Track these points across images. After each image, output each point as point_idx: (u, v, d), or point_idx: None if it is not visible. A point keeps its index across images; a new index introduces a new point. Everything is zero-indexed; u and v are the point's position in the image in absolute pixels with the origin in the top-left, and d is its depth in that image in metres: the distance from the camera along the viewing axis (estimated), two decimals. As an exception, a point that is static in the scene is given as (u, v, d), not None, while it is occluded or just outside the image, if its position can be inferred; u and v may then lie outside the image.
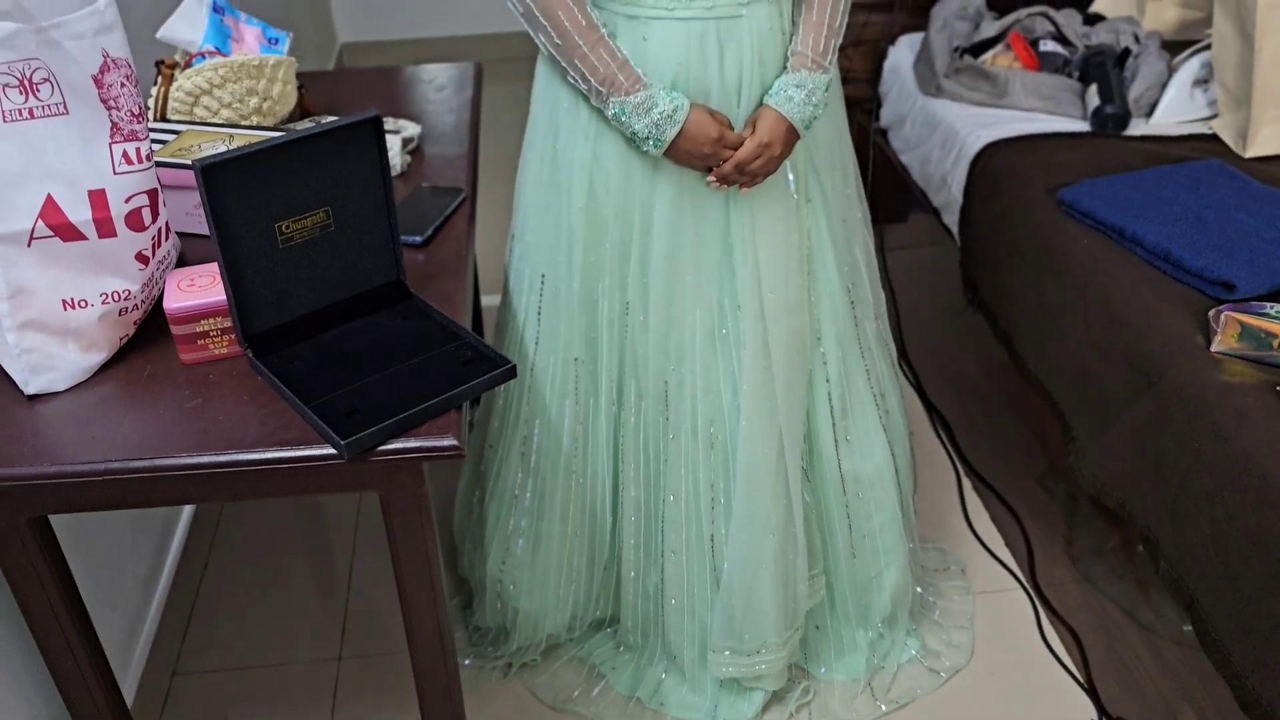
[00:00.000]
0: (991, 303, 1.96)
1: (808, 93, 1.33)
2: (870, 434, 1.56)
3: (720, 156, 1.32)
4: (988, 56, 2.19)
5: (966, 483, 2.05)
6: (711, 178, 1.35)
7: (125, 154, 1.09)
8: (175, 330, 1.12)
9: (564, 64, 1.32)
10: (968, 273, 2.06)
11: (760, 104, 1.35)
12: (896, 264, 2.53)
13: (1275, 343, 1.41)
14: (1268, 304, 1.46)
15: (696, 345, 1.44)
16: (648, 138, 1.31)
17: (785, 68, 1.35)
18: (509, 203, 1.62)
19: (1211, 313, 1.47)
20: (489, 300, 2.42)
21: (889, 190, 2.53)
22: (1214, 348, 1.44)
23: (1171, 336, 1.48)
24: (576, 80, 1.32)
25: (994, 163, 1.97)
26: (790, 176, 1.41)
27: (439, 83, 1.91)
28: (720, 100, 1.33)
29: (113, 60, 1.07)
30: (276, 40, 1.61)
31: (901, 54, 2.43)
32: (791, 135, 1.34)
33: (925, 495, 2.00)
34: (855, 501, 1.58)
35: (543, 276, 1.48)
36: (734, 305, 1.42)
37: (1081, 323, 1.65)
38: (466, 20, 4.16)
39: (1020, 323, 1.85)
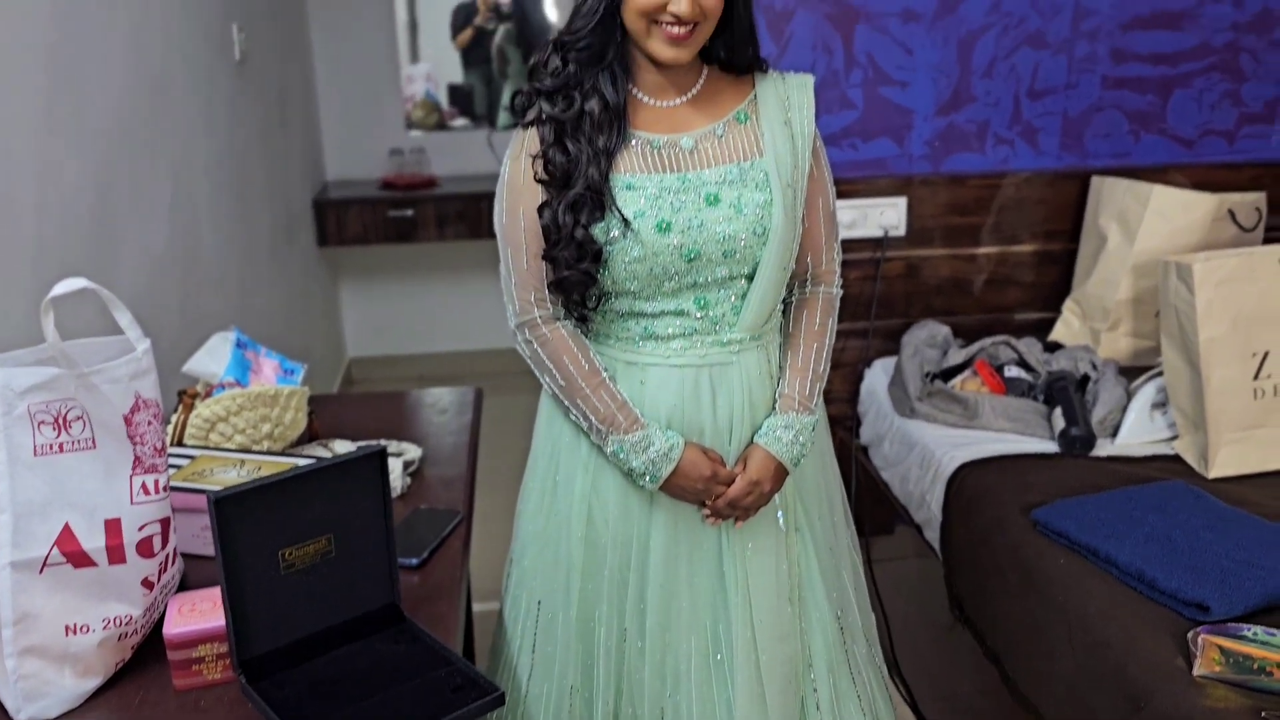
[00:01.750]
0: (978, 620, 1.98)
1: (795, 433, 1.43)
2: (863, 758, 1.54)
3: (713, 492, 1.41)
4: (957, 381, 2.33)
5: (968, 811, 1.97)
6: (706, 512, 1.43)
7: (144, 485, 1.16)
8: (172, 655, 1.14)
9: (567, 403, 1.43)
10: (953, 590, 2.09)
11: (751, 442, 1.45)
12: (885, 577, 2.55)
13: (1256, 666, 1.42)
14: (1246, 626, 1.48)
15: (692, 671, 1.46)
16: (644, 474, 1.40)
17: (774, 408, 1.46)
18: (505, 508, 1.68)
19: (1190, 635, 1.49)
20: (481, 607, 2.43)
21: (873, 504, 2.60)
22: (1196, 671, 1.45)
23: (1154, 660, 1.49)
24: (578, 418, 1.43)
25: (969, 482, 2.05)
26: (779, 509, 1.49)
27: (441, 406, 2.03)
28: (713, 439, 1.44)
29: (144, 401, 1.16)
30: (292, 371, 1.73)
31: (877, 376, 2.58)
32: (781, 473, 1.43)
33: (926, 825, 1.91)
34: (851, 827, 1.53)
35: (539, 603, 1.51)
36: (728, 632, 1.45)
37: (1066, 642, 1.67)
38: (470, 337, 4.41)
39: (1008, 641, 1.86)
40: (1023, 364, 2.38)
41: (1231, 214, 2.33)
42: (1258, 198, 2.43)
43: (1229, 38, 2.62)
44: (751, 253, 1.39)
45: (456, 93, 4.36)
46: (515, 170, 1.40)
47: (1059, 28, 2.56)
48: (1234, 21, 2.61)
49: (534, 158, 1.38)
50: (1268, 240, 2.45)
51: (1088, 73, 2.61)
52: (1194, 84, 2.65)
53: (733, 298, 1.41)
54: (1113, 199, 2.43)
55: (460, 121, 4.35)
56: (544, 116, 1.37)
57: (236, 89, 2.76)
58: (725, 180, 1.38)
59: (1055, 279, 2.68)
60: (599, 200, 1.35)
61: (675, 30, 1.31)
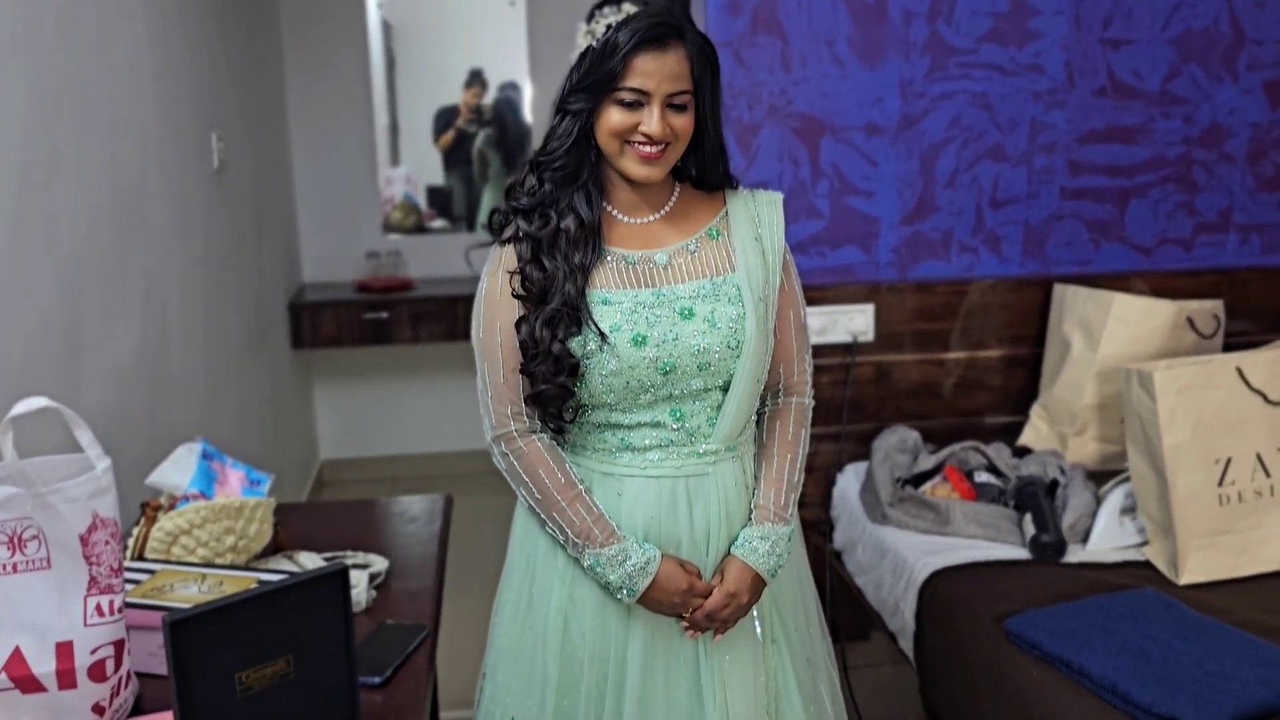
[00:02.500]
0: (954, 732, 1.95)
1: (771, 544, 1.44)
2: None
3: (690, 604, 1.41)
4: (927, 487, 2.34)
5: None
6: (685, 625, 1.42)
7: (99, 606, 1.14)
8: (120, 786, 1.11)
9: (543, 516, 1.43)
10: (928, 700, 2.07)
11: (728, 553, 1.44)
12: (861, 684, 2.52)
13: (1231, 783, 1.41)
14: (1219, 740, 1.47)
15: None
16: (621, 587, 1.39)
17: (750, 519, 1.46)
18: (476, 613, 1.65)
19: (1165, 750, 1.48)
20: (450, 715, 2.37)
21: (848, 609, 2.58)
22: (1172, 789, 1.43)
23: (1129, 776, 1.47)
24: (554, 531, 1.43)
25: (942, 590, 2.04)
26: (756, 621, 1.48)
27: (410, 514, 2.01)
28: (690, 550, 1.44)
29: (101, 520, 1.15)
30: (259, 482, 1.72)
31: (849, 481, 2.59)
32: (758, 584, 1.43)
33: None
34: None
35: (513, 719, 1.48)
36: None
37: (1042, 757, 1.64)
38: (443, 438, 4.39)
39: (983, 755, 1.83)
40: (992, 469, 2.39)
41: (1190, 321, 2.38)
42: (1215, 305, 2.48)
43: (1181, 151, 2.71)
44: (726, 365, 1.41)
45: (436, 194, 4.43)
46: (493, 285, 1.43)
47: (1017, 141, 2.65)
48: (1185, 136, 2.70)
49: (511, 274, 1.41)
50: (1227, 347, 2.50)
51: (1047, 184, 2.69)
52: (1150, 194, 2.73)
53: (708, 409, 1.43)
54: (1075, 306, 2.48)
55: (439, 223, 4.41)
56: (521, 234, 1.41)
57: (213, 197, 2.80)
58: (699, 295, 1.41)
59: (1022, 383, 2.72)
60: (575, 315, 1.37)
61: (647, 150, 1.36)
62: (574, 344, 1.38)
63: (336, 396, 4.35)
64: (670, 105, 1.35)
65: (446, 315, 3.97)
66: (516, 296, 1.40)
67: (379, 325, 3.94)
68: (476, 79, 4.27)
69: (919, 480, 2.38)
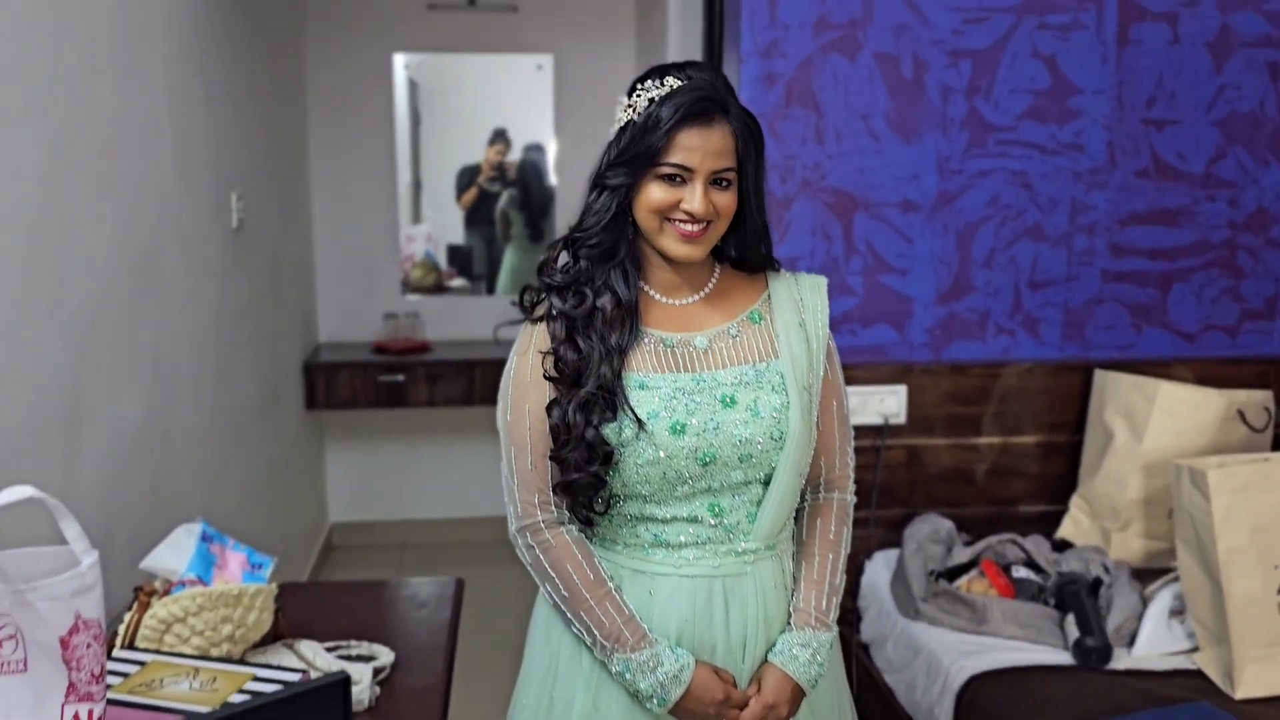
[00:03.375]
0: None
1: (813, 652, 1.34)
2: None
3: (726, 717, 1.31)
4: (963, 582, 2.22)
5: None
6: None
7: (76, 715, 1.05)
8: None
9: (569, 614, 1.33)
10: (964, 815, 1.93)
11: (765, 660, 1.35)
12: (887, 787, 2.38)
13: None
14: None
15: None
16: (652, 696, 1.30)
17: (789, 624, 1.36)
18: (489, 696, 1.55)
19: None
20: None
21: (877, 708, 2.44)
22: None
23: None
24: (581, 632, 1.33)
25: (981, 698, 1.92)
26: None
27: (419, 599, 1.91)
28: (725, 656, 1.34)
29: (84, 621, 1.06)
30: (261, 565, 1.62)
31: (878, 570, 2.47)
32: (797, 694, 1.34)
33: None
34: None
35: None
36: None
37: None
38: (456, 504, 4.29)
39: None
40: (1031, 564, 2.28)
41: (1241, 414, 2.27)
42: (1265, 396, 2.38)
43: (1225, 235, 2.63)
44: (768, 457, 1.32)
45: (456, 253, 4.39)
46: (522, 366, 1.35)
47: (1057, 221, 2.57)
48: (1230, 220, 2.62)
49: (544, 354, 1.33)
50: (1277, 440, 2.39)
51: (1087, 266, 2.60)
52: (1193, 279, 2.64)
53: (748, 504, 1.35)
54: (1118, 394, 2.38)
55: (458, 282, 4.36)
56: (555, 312, 1.33)
57: (231, 257, 2.74)
58: (741, 382, 1.33)
59: (1060, 471, 2.61)
60: (611, 400, 1.29)
61: (688, 228, 1.29)
62: (608, 430, 1.30)
63: (348, 459, 4.26)
64: (713, 182, 1.28)
65: (463, 379, 3.90)
66: (548, 378, 1.33)
67: (394, 388, 3.87)
68: (500, 137, 4.25)
69: (954, 574, 2.27)
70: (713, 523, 1.33)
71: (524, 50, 4.12)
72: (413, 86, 4.17)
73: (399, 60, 4.08)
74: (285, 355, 3.49)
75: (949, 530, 2.38)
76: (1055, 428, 2.61)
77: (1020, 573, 2.24)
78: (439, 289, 4.32)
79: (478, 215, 4.35)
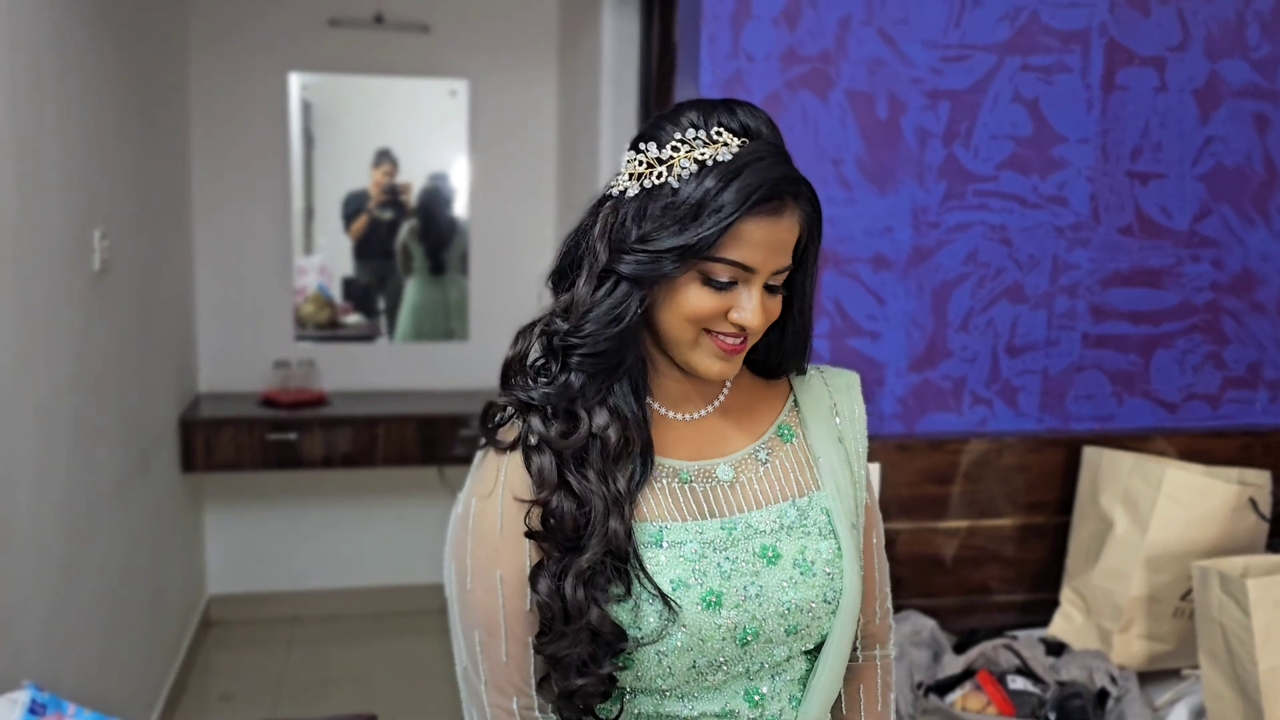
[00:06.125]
0: None
1: None
2: None
3: None
4: (956, 698, 1.95)
5: None
6: None
7: None
8: None
9: None
10: None
11: None
12: None
13: None
14: None
15: None
16: None
17: None
18: None
19: None
20: None
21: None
22: None
23: None
24: None
25: None
26: None
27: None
28: None
29: None
30: (110, 741, 1.23)
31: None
32: None
33: None
34: None
35: None
36: None
37: None
38: (352, 573, 3.87)
39: None
40: (1026, 671, 2.01)
41: (1253, 503, 2.06)
42: (1264, 478, 2.17)
43: (1209, 297, 2.44)
44: (819, 625, 1.02)
45: (351, 287, 4.00)
46: (488, 514, 0.97)
47: (1037, 281, 2.34)
48: (1214, 281, 2.43)
49: (525, 503, 0.96)
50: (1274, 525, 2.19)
51: (1068, 330, 2.38)
52: (1176, 344, 2.44)
53: (791, 686, 1.03)
54: (1116, 477, 2.14)
55: (354, 318, 3.97)
56: (536, 441, 0.97)
57: (92, 306, 2.32)
58: (782, 526, 1.02)
59: (1042, 555, 2.36)
60: (621, 568, 0.94)
61: (731, 342, 0.98)
62: (621, 612, 0.95)
63: (230, 524, 3.79)
64: (767, 284, 0.97)
65: (363, 437, 3.49)
66: (531, 535, 0.97)
67: (285, 446, 3.43)
68: (385, 157, 3.89)
69: (943, 687, 1.99)
70: (751, 716, 1.00)
71: (436, 74, 3.76)
72: (306, 107, 3.78)
73: (295, 80, 3.67)
74: (157, 412, 3.04)
75: (931, 631, 2.11)
76: (1035, 508, 2.37)
77: (1016, 683, 1.98)
78: (333, 325, 3.92)
79: (370, 246, 3.98)
